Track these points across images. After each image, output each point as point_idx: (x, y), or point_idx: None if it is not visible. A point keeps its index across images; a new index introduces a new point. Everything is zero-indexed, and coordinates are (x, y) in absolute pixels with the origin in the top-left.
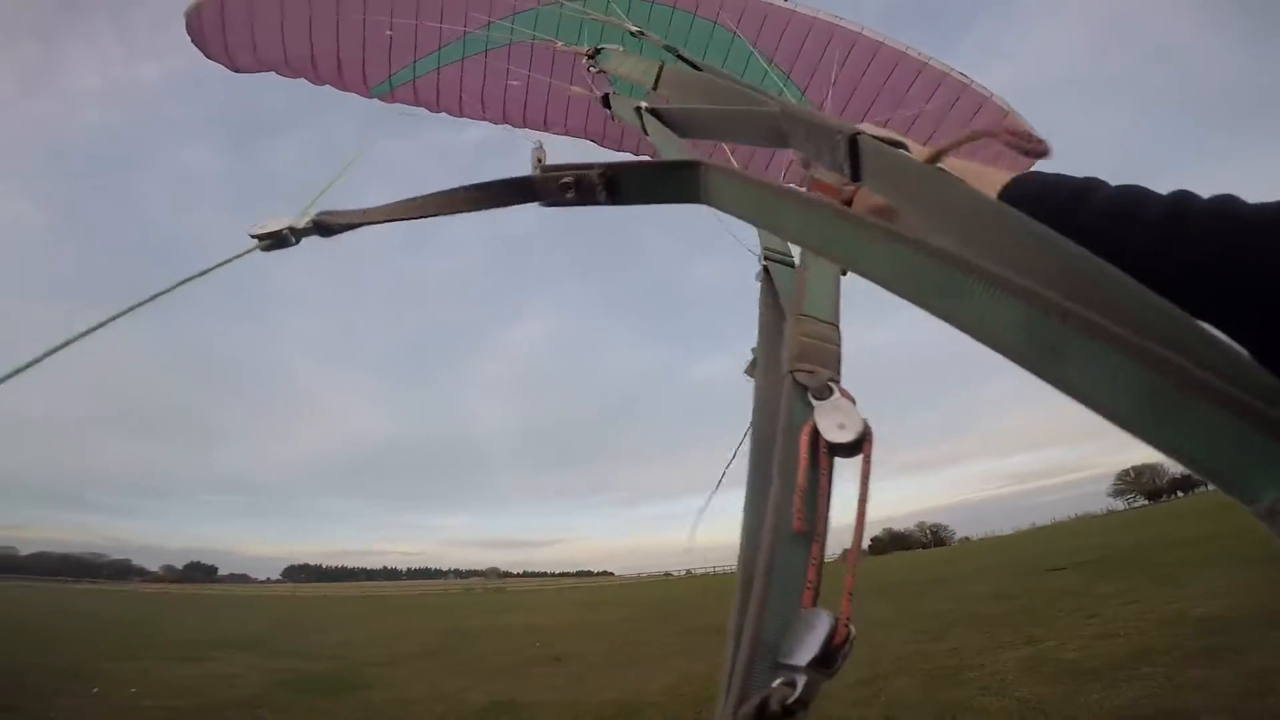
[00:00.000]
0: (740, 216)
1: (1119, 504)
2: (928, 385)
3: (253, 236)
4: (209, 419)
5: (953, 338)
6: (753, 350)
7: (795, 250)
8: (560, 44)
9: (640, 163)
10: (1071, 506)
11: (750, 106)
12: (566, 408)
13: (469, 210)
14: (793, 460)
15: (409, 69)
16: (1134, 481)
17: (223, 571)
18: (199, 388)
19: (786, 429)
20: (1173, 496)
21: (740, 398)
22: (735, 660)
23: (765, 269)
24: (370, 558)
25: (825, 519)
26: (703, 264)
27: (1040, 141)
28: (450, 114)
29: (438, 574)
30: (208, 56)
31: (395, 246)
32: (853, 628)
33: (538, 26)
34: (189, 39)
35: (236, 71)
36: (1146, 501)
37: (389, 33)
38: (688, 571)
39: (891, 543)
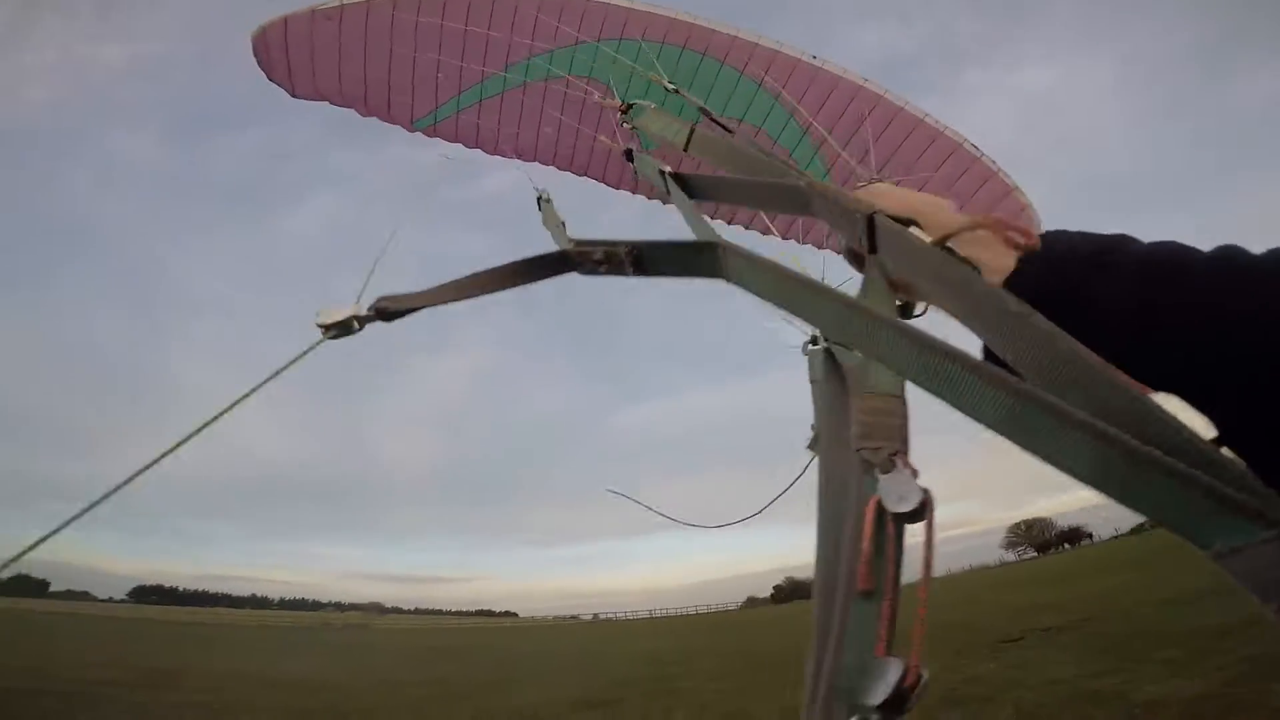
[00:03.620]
0: (758, 295)
1: (1011, 556)
2: None
3: (320, 327)
4: (67, 418)
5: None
6: (812, 427)
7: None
8: (597, 96)
9: (665, 242)
10: (968, 558)
11: (778, 179)
12: (485, 444)
13: (515, 285)
14: (859, 530)
15: (453, 102)
16: (1024, 534)
17: (57, 587)
18: (62, 383)
19: (856, 502)
20: (1060, 549)
21: (660, 449)
22: (814, 703)
23: (828, 350)
24: (242, 584)
25: (895, 579)
26: (642, 307)
27: (1032, 236)
28: (484, 150)
29: (315, 605)
30: (270, 79)
31: (322, 259)
32: (925, 672)
33: (574, 65)
34: (255, 61)
35: (295, 97)
36: (1035, 553)
37: (438, 73)
38: (595, 616)
39: (793, 591)
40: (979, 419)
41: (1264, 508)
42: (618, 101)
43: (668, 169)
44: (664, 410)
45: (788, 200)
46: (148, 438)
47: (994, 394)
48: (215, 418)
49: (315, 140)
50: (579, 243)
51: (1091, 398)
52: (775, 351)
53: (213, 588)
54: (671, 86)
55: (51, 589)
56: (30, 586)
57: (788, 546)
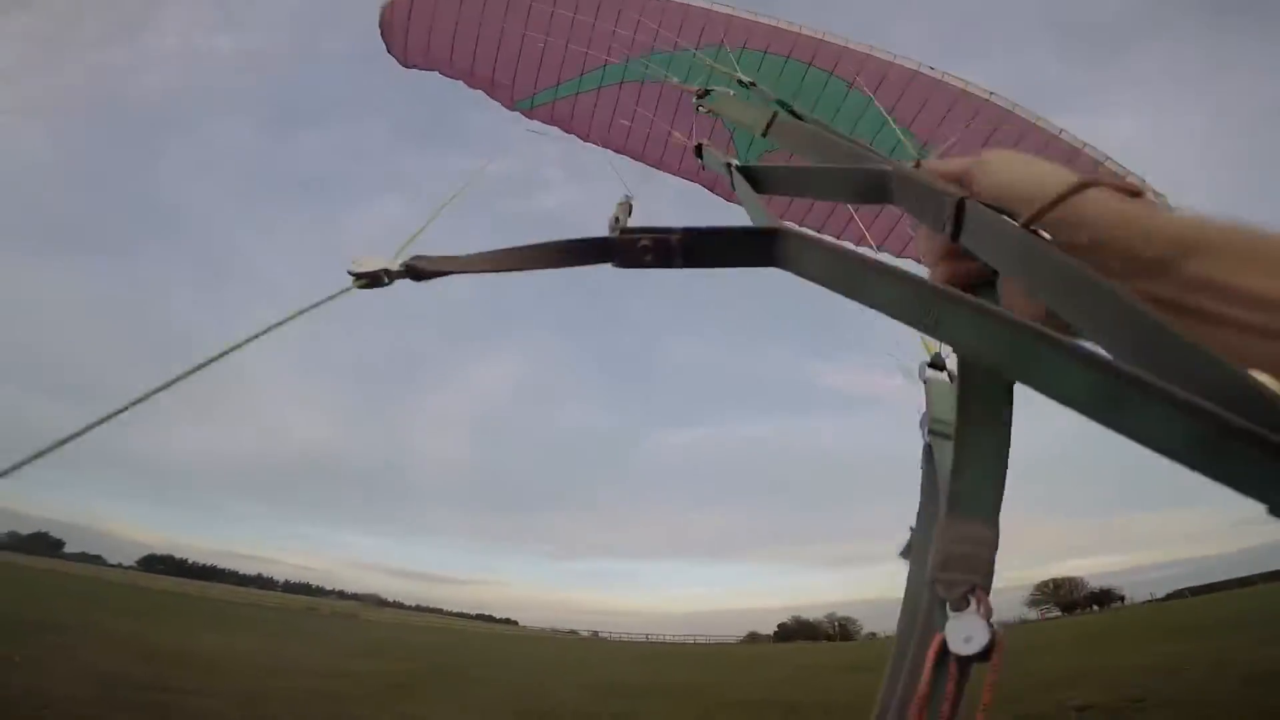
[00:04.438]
0: (822, 284)
1: (1033, 614)
2: (870, 485)
3: (351, 274)
4: (114, 382)
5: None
6: (910, 528)
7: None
8: (675, 80)
9: (721, 228)
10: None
11: (859, 165)
12: (517, 452)
13: (552, 266)
14: (918, 667)
15: (552, 90)
16: (1051, 592)
17: (72, 548)
18: (130, 353)
19: (921, 634)
20: (1089, 609)
21: (692, 475)
22: None
23: (928, 445)
24: (252, 562)
25: None
26: (678, 342)
27: (1136, 186)
28: (578, 136)
29: (318, 591)
30: (388, 50)
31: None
32: None
33: (670, 68)
34: (379, 31)
35: (405, 66)
36: (1060, 613)
37: (542, 60)
38: (594, 633)
39: (796, 631)
40: (1062, 398)
41: None
42: (695, 87)
43: (734, 161)
44: (699, 438)
45: (865, 187)
46: (202, 413)
47: (1080, 370)
48: (222, 354)
49: (379, 146)
50: (625, 229)
51: (1181, 371)
52: (813, 395)
53: (223, 564)
54: (747, 80)
55: (66, 550)
56: (46, 545)
57: (792, 586)
